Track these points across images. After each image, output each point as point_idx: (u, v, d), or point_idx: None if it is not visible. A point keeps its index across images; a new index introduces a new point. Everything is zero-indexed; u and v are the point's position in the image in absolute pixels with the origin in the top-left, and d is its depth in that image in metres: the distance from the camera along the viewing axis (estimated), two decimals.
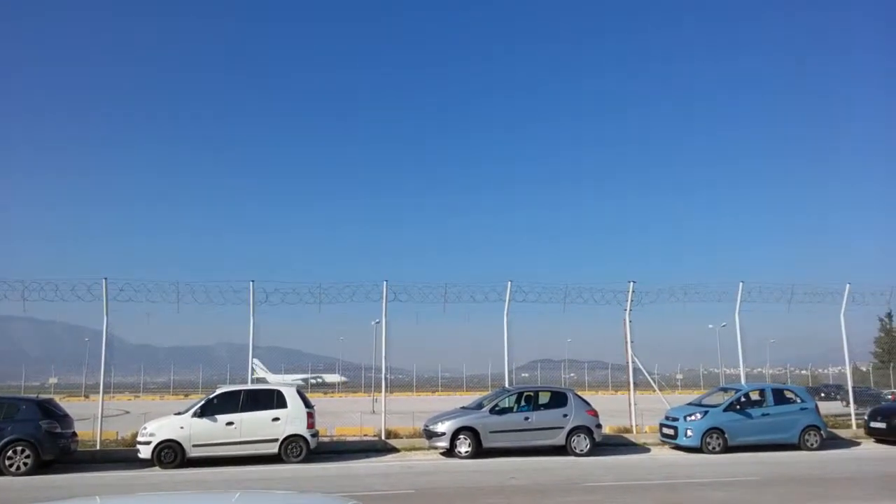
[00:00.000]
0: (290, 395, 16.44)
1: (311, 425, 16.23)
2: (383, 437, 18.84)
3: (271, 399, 16.34)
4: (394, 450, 17.94)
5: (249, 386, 17.25)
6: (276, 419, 16.01)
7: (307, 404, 16.61)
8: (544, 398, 18.00)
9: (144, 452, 15.47)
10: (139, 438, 15.89)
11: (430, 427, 17.24)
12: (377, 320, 22.23)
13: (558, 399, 17.82)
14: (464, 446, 16.48)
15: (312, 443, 16.22)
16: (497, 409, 17.24)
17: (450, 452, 16.61)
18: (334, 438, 19.64)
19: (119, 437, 18.92)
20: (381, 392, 21.02)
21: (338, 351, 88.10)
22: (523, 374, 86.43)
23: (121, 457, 16.61)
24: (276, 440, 15.90)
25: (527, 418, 17.13)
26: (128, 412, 33.86)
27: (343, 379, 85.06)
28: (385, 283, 19.73)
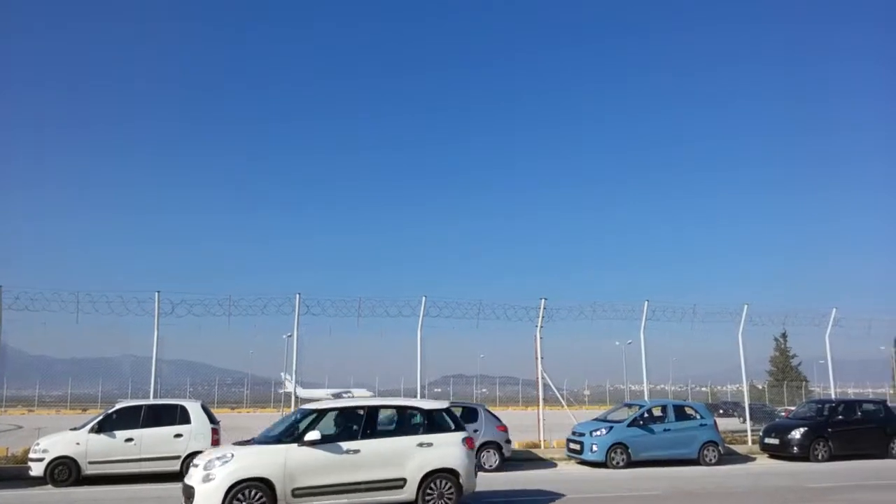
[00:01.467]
0: (195, 411, 15.96)
1: (215, 442, 15.77)
2: None
3: (174, 414, 15.82)
4: None
5: (151, 401, 16.64)
6: (179, 435, 15.51)
7: (212, 420, 16.16)
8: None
9: (36, 470, 14.69)
10: (31, 455, 15.08)
11: None
12: (288, 334, 21.86)
13: (469, 415, 17.91)
14: None
15: None
16: None
17: None
18: None
19: (10, 454, 17.93)
20: (290, 407, 20.64)
21: (247, 365, 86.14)
22: (436, 390, 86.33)
23: (11, 475, 15.67)
24: (178, 457, 15.38)
25: None
26: (20, 427, 32.15)
27: (369, 393, 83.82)
28: (297, 295, 19.48)
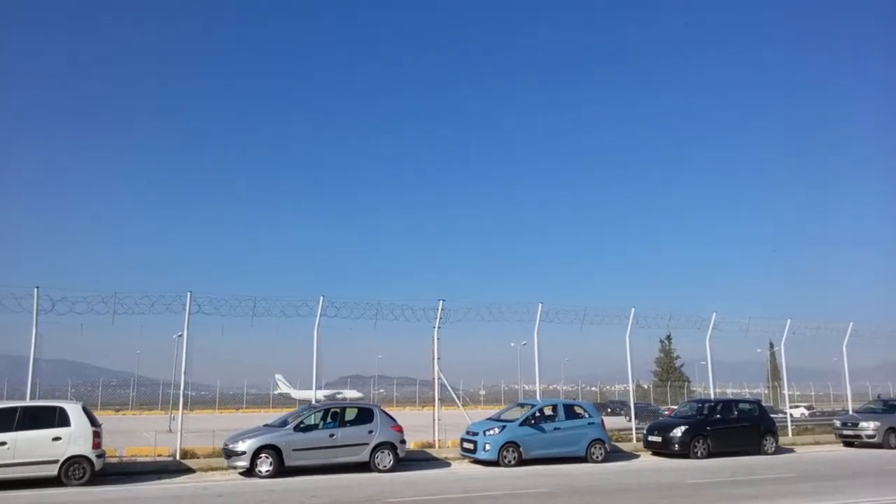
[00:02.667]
0: (75, 413, 15.19)
1: (97, 445, 15.09)
2: (178, 458, 17.89)
3: (53, 417, 14.99)
4: (189, 470, 17.09)
5: (27, 402, 15.72)
6: (58, 438, 14.72)
7: (94, 423, 15.41)
8: (351, 414, 17.98)
9: None
10: None
11: (230, 446, 16.62)
12: (179, 333, 21.15)
13: (364, 415, 17.88)
14: (264, 465, 16.06)
15: (98, 464, 15.08)
16: (302, 426, 16.99)
17: (250, 472, 16.12)
18: (124, 459, 18.36)
19: None
20: (178, 409, 19.97)
21: (134, 365, 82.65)
22: (333, 390, 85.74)
23: None
24: (56, 461, 14.60)
25: (332, 435, 17.02)
26: None
27: (360, 395, 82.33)
28: (189, 294, 18.87)
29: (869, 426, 24.03)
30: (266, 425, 18.09)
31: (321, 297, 20.29)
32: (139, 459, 18.42)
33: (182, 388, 19.82)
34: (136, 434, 28.17)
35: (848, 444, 24.66)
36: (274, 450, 16.22)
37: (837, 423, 26.00)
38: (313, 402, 20.14)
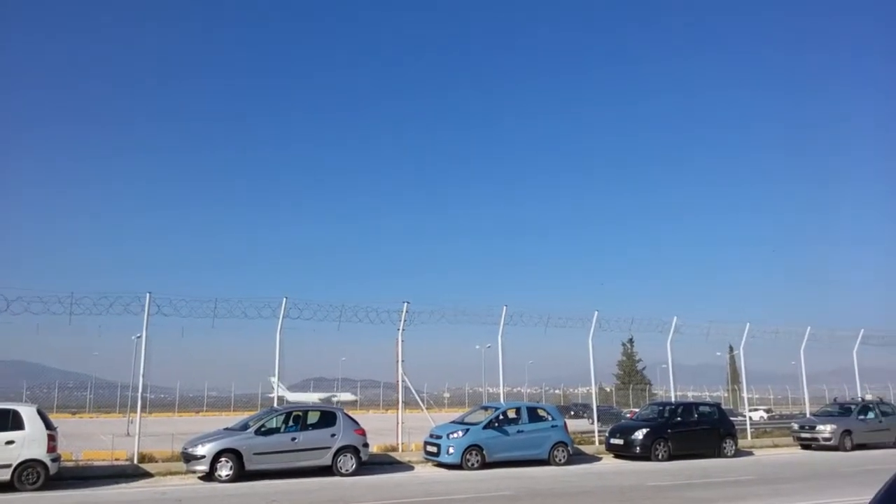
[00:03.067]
0: (29, 416, 14.82)
1: (52, 449, 14.74)
2: (136, 462, 17.53)
3: (6, 420, 14.59)
4: (147, 475, 16.76)
5: None
6: (11, 442, 14.33)
7: (49, 426, 15.05)
8: (313, 418, 17.81)
9: None
10: None
11: (189, 450, 16.34)
12: (138, 335, 20.77)
13: (327, 419, 17.72)
14: (224, 470, 15.81)
15: (53, 468, 14.71)
16: (263, 429, 16.77)
17: (210, 477, 15.87)
18: (80, 463, 17.96)
19: None
20: (136, 412, 19.60)
21: (91, 367, 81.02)
22: (296, 393, 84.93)
23: None
24: (9, 466, 14.21)
25: (294, 439, 16.85)
26: None
27: (355, 398, 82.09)
28: (148, 294, 18.55)
29: (826, 429, 24.53)
30: (227, 429, 17.84)
31: (284, 299, 20.12)
32: (96, 463, 18.05)
33: (140, 390, 19.47)
34: (93, 437, 27.57)
35: (805, 447, 25.13)
36: (234, 454, 15.99)
37: (795, 426, 26.50)
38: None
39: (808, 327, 29.38)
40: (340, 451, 17.14)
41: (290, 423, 17.40)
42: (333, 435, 17.21)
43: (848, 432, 24.55)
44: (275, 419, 17.31)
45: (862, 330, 31.00)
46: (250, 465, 16.14)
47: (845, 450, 24.04)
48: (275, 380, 23.21)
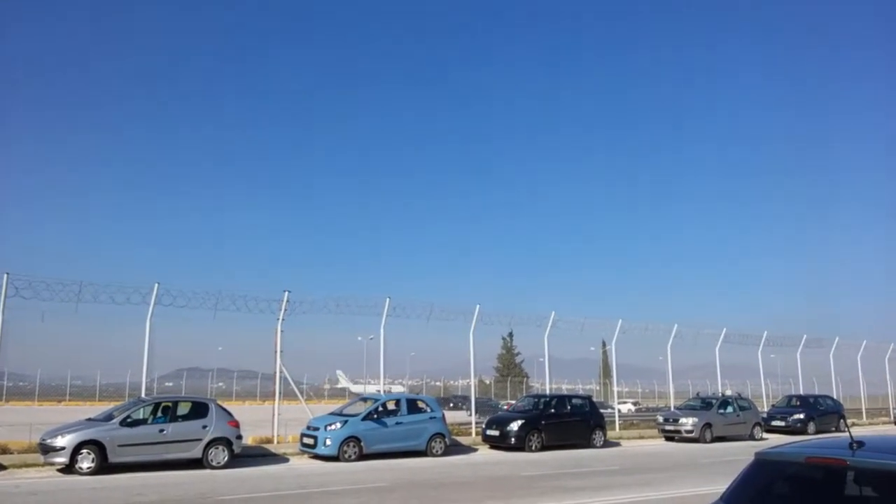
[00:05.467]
0: None
1: None
2: None
3: None
4: (1, 467, 15.62)
5: None
6: None
7: None
8: (184, 409, 17.11)
9: None
10: None
11: (48, 441, 15.31)
12: None
13: (199, 410, 17.07)
14: (86, 462, 14.94)
15: None
16: (129, 420, 15.94)
17: (70, 469, 14.95)
18: None
19: None
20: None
21: None
22: (167, 384, 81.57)
23: None
24: None
25: (162, 430, 16.12)
26: None
27: (405, 389, 75.12)
28: (6, 275, 17.27)
29: (688, 422, 25.90)
30: (89, 419, 16.88)
31: (156, 284, 19.27)
32: None
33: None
34: None
35: (669, 439, 26.45)
36: (97, 445, 15.13)
37: (660, 419, 27.86)
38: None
39: (675, 325, 30.99)
40: (212, 443, 16.55)
41: (159, 413, 16.64)
42: (205, 427, 16.60)
43: (708, 425, 26.01)
44: (142, 410, 16.51)
45: (724, 329, 33.02)
46: (114, 458, 15.33)
47: (706, 442, 25.47)
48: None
